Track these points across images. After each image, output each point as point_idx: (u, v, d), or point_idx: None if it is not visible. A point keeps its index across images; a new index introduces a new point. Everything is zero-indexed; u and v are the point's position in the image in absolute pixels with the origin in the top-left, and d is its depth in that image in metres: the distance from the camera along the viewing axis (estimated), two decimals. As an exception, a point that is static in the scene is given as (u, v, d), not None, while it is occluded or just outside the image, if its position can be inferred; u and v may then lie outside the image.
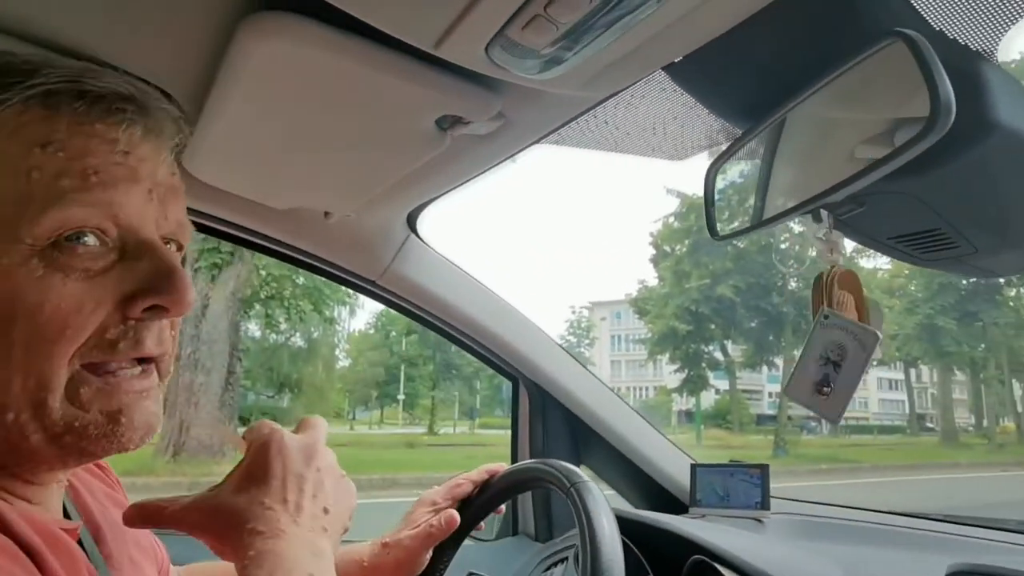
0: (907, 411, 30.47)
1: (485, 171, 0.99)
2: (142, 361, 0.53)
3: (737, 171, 0.83)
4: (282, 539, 0.53)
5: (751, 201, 0.78)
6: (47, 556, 0.44)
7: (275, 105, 0.80)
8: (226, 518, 0.55)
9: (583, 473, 0.90)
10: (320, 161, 0.94)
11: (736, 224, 0.79)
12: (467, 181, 1.04)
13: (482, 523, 1.06)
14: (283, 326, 18.73)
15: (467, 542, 1.47)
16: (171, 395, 10.98)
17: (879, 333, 0.66)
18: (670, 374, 25.75)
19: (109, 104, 0.51)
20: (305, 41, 0.66)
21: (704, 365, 23.79)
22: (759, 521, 1.43)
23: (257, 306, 16.26)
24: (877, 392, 35.60)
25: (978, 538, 1.21)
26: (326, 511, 0.59)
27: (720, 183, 0.80)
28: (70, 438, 0.48)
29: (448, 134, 0.82)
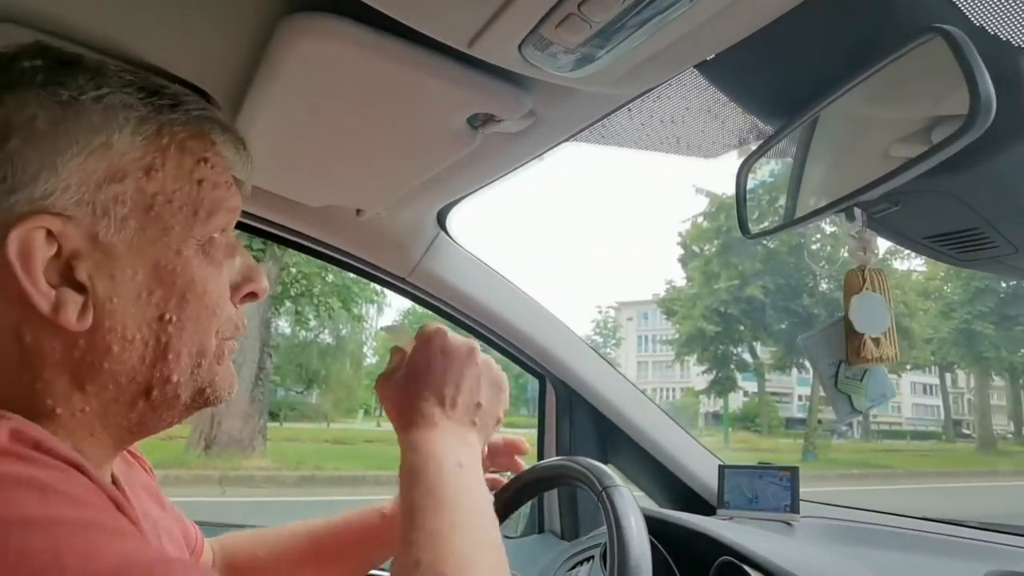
0: (942, 416, 29.79)
1: (515, 169, 0.99)
2: None
3: (768, 169, 0.82)
4: (436, 430, 0.65)
5: (782, 200, 0.77)
6: (125, 507, 0.47)
7: (311, 104, 0.81)
8: (396, 402, 0.69)
9: (613, 474, 0.90)
10: (353, 159, 0.95)
11: (767, 223, 0.79)
12: (497, 179, 1.04)
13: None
14: (312, 323, 18.97)
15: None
16: (203, 390, 11.14)
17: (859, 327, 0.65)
18: (698, 375, 25.52)
19: (221, 129, 0.62)
20: (341, 40, 0.67)
21: (732, 367, 23.51)
22: (788, 524, 1.42)
23: (287, 303, 16.46)
24: (911, 397, 34.86)
25: (1015, 546, 1.18)
26: (479, 406, 0.70)
27: (751, 182, 0.80)
28: (209, 393, 0.60)
29: (479, 132, 0.82)
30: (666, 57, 0.65)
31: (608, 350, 32.30)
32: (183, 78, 0.87)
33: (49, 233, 0.50)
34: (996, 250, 0.72)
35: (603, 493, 0.88)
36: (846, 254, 0.74)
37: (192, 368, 0.57)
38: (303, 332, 20.03)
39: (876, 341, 0.68)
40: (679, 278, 26.90)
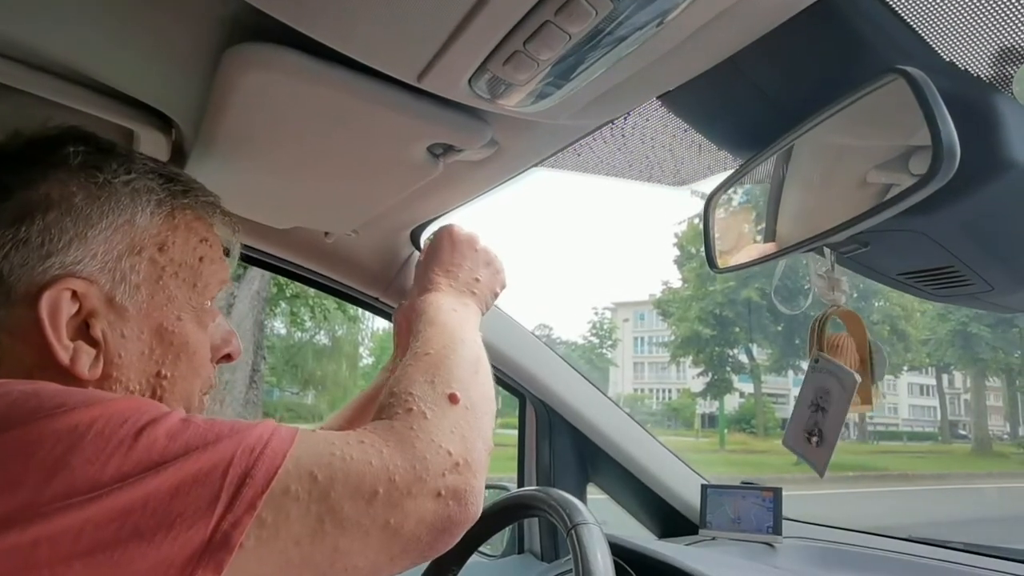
0: (938, 418, 29.82)
1: (482, 194, 0.97)
2: None
3: (739, 200, 0.80)
4: (439, 291, 0.84)
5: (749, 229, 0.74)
6: None
7: (265, 131, 0.79)
8: (418, 278, 0.89)
9: (586, 510, 0.88)
10: (315, 184, 0.93)
11: (739, 257, 0.76)
12: (465, 203, 1.02)
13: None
14: (308, 324, 18.91)
15: (473, 558, 1.46)
16: (197, 392, 11.13)
17: (857, 376, 0.62)
18: (694, 377, 25.51)
19: (221, 214, 0.71)
20: (287, 71, 0.65)
21: (728, 368, 23.51)
22: (771, 546, 1.40)
23: (283, 304, 16.41)
24: (907, 398, 34.86)
25: (1001, 571, 1.16)
26: (477, 280, 0.89)
27: (721, 212, 0.77)
28: None
29: (441, 160, 0.80)
30: (625, 90, 0.62)
31: (604, 351, 32.21)
32: (145, 102, 0.86)
33: (74, 294, 0.56)
34: (972, 287, 0.69)
35: (572, 531, 0.86)
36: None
37: None
38: (298, 333, 19.96)
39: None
40: (675, 279, 26.90)
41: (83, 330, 0.57)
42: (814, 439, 0.65)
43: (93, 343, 0.57)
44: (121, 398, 0.50)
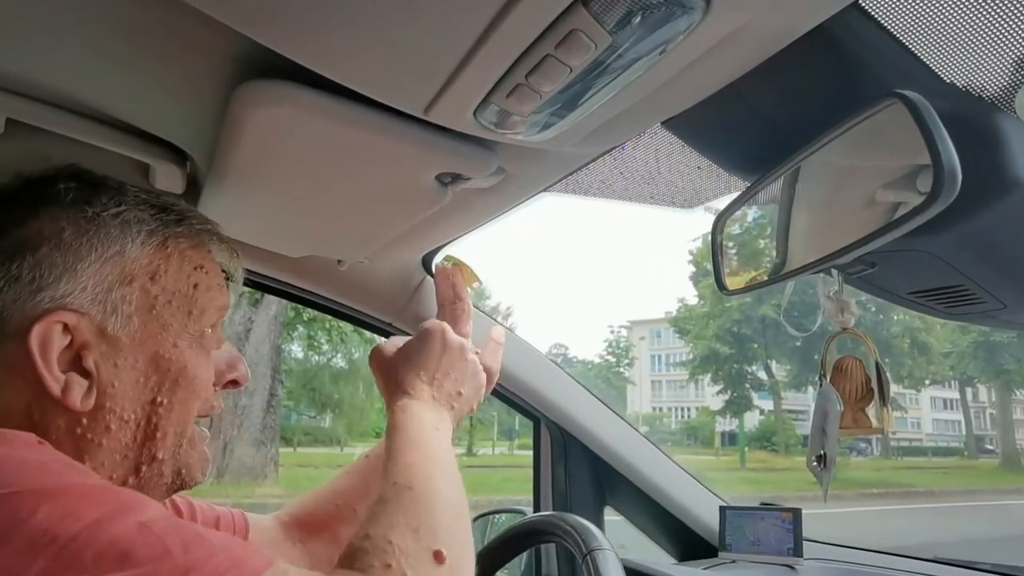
0: (963, 432, 29.26)
1: (491, 220, 0.97)
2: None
3: (748, 221, 0.80)
4: (420, 400, 0.79)
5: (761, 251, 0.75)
6: None
7: (277, 164, 0.80)
8: (393, 374, 0.82)
9: (601, 535, 0.87)
10: (326, 214, 0.94)
11: (749, 278, 0.76)
12: (476, 228, 1.03)
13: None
14: (325, 347, 19.00)
15: (490, 586, 1.44)
16: (215, 419, 11.16)
17: (838, 404, 0.63)
18: (713, 395, 25.27)
19: (219, 241, 0.71)
20: (296, 107, 0.66)
21: (748, 386, 23.29)
22: (792, 568, 1.37)
23: (300, 327, 16.51)
24: (931, 412, 34.28)
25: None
26: (460, 394, 0.83)
27: (729, 235, 0.77)
28: (185, 472, 0.65)
29: (449, 188, 0.81)
30: (630, 117, 0.63)
31: (621, 369, 32.04)
32: (159, 136, 0.88)
33: (65, 327, 0.57)
34: (984, 306, 0.69)
35: (587, 556, 0.86)
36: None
37: (175, 448, 0.63)
38: (315, 356, 20.05)
39: (859, 413, 0.65)
40: (691, 296, 26.75)
41: (76, 362, 0.58)
42: (819, 464, 0.65)
43: (86, 374, 0.58)
44: (82, 487, 0.48)
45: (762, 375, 23.63)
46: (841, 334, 0.65)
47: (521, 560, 1.65)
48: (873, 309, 20.00)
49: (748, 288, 0.74)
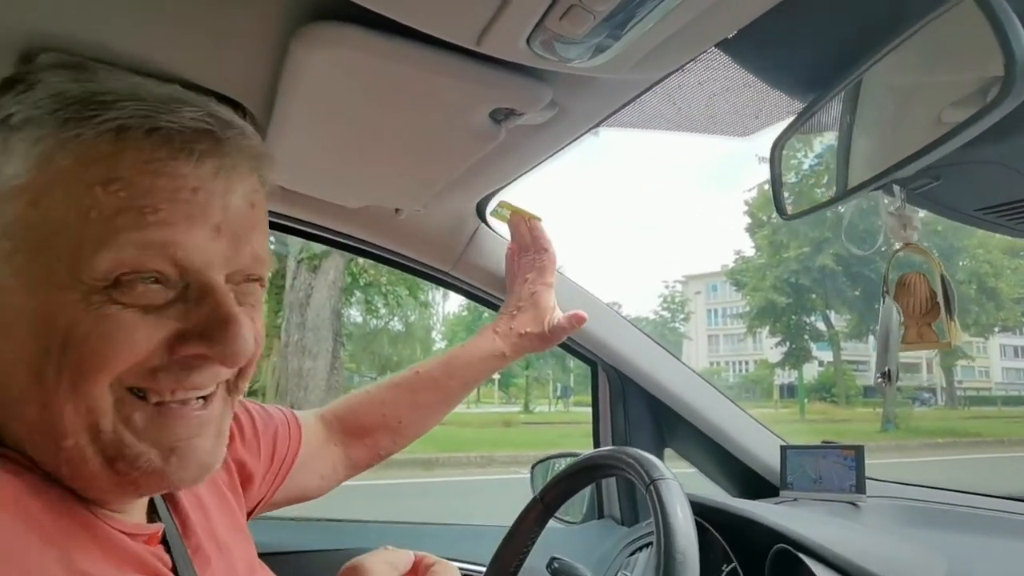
0: (1036, 380, 28.06)
1: (546, 159, 0.98)
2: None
3: (811, 144, 0.78)
4: None
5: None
6: None
7: (334, 110, 0.82)
8: None
9: (663, 466, 0.87)
10: (384, 161, 0.96)
11: (807, 202, 0.75)
12: (530, 170, 1.03)
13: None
14: (382, 311, 19.40)
15: (555, 525, 1.49)
16: (282, 382, 11.63)
17: (897, 309, 0.61)
18: (771, 348, 24.83)
19: (182, 140, 0.50)
20: (353, 47, 0.68)
21: (806, 337, 22.77)
22: (854, 505, 1.37)
23: (357, 293, 16.89)
24: (1000, 360, 32.93)
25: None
26: None
27: (793, 158, 0.76)
28: (123, 465, 0.49)
29: (503, 126, 0.81)
30: (682, 39, 0.62)
31: (677, 325, 31.66)
32: (214, 90, 0.91)
33: None
34: (1062, 218, 0.66)
35: (651, 486, 0.86)
36: (923, 214, 0.68)
37: (90, 431, 0.48)
38: (373, 320, 20.50)
39: (925, 328, 0.64)
40: (747, 248, 26.14)
41: None
42: (882, 379, 0.64)
43: None
44: None
45: (821, 326, 23.04)
46: (904, 249, 0.64)
47: (583, 502, 1.68)
48: (936, 255, 19.08)
49: (809, 210, 0.73)
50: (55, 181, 0.47)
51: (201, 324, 0.50)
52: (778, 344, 23.18)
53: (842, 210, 0.74)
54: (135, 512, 0.58)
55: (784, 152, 0.73)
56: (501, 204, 1.21)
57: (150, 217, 0.47)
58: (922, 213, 0.67)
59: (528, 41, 0.60)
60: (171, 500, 0.65)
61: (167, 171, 0.49)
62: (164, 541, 0.59)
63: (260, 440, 0.87)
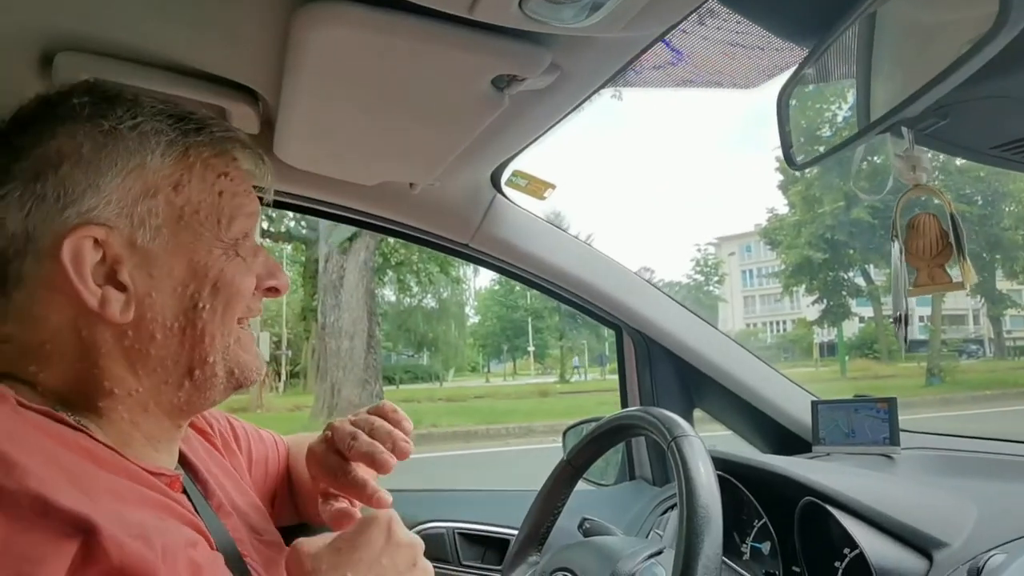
0: (1090, 327, 27.14)
1: (555, 124, 0.97)
2: None
3: (819, 89, 0.77)
4: None
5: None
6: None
7: (339, 87, 0.83)
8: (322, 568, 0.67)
9: (684, 423, 0.87)
10: (392, 136, 0.97)
11: (819, 148, 0.73)
12: (540, 136, 1.03)
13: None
14: (415, 289, 19.61)
15: (587, 487, 1.50)
16: (322, 362, 11.87)
17: (898, 250, 0.60)
18: (808, 306, 24.42)
19: (242, 147, 0.71)
20: (352, 24, 0.69)
21: (844, 293, 22.29)
22: (888, 458, 1.35)
23: (389, 272, 17.08)
24: (1053, 307, 31.90)
25: None
26: None
27: (796, 105, 0.74)
28: (238, 371, 0.67)
29: (506, 93, 0.82)
30: (677, -9, 0.61)
31: (711, 288, 31.24)
32: (229, 79, 0.92)
33: (96, 241, 0.59)
34: (1081, 152, 0.64)
35: (672, 443, 0.86)
36: (960, 163, 0.67)
37: (224, 350, 0.65)
38: (407, 299, 20.73)
39: (936, 269, 0.62)
40: (781, 205, 25.63)
41: (112, 276, 0.60)
42: (895, 323, 0.64)
43: (123, 287, 0.60)
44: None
45: (859, 281, 22.53)
46: (913, 190, 0.62)
47: (615, 464, 1.70)
48: (980, 202, 18.55)
49: (819, 158, 0.71)
50: (191, 173, 0.65)
51: (271, 268, 0.72)
52: (815, 302, 22.74)
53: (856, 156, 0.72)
54: (170, 455, 0.69)
55: (792, 102, 0.71)
56: (516, 173, 1.21)
57: (251, 195, 0.70)
58: (942, 157, 0.65)
59: (520, 4, 0.60)
60: (190, 465, 0.75)
61: (242, 168, 0.71)
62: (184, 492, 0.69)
63: (252, 456, 0.95)
